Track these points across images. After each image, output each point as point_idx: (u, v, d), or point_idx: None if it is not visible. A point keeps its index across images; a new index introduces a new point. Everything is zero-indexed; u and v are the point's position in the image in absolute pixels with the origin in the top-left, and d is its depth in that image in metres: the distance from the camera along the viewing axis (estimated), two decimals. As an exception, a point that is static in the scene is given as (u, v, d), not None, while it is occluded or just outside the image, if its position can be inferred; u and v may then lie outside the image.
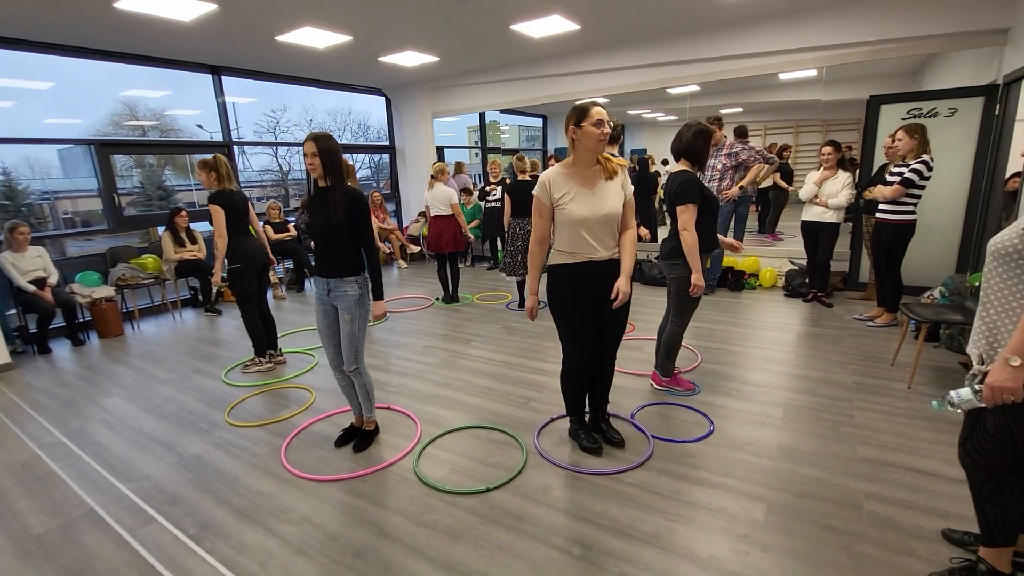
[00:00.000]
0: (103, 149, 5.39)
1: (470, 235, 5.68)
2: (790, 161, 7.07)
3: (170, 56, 5.55)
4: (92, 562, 1.91)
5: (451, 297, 5.44)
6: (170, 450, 2.71)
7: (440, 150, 8.57)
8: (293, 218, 6.78)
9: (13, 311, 4.60)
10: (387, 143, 8.66)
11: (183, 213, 5.60)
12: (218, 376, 3.70)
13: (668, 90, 6.24)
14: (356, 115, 13.29)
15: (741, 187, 4.94)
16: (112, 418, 3.15)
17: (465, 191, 7.47)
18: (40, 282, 4.56)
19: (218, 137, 6.39)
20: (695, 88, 6.47)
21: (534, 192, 2.25)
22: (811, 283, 4.86)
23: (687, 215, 2.68)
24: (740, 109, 7.63)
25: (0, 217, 5.57)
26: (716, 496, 2.12)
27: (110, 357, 4.36)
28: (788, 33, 4.92)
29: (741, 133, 5.26)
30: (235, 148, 6.51)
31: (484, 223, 7.05)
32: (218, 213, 3.45)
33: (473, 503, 2.14)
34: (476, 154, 11.09)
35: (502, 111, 8.75)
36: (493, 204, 6.59)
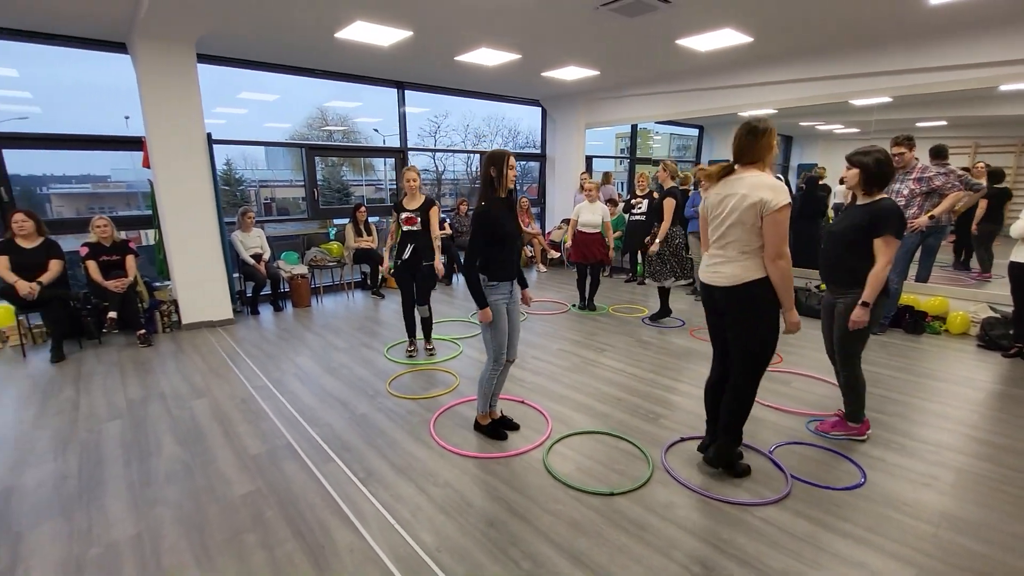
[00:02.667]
0: (311, 152, 6.49)
1: (612, 249, 5.74)
2: (1010, 187, 5.91)
3: (364, 73, 6.49)
4: (290, 484, 2.41)
5: (587, 305, 5.57)
6: (344, 407, 3.25)
7: (589, 160, 8.73)
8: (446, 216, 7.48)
9: (237, 278, 5.79)
10: (538, 151, 9.07)
11: (363, 208, 6.51)
12: (381, 351, 4.29)
13: (851, 101, 5.64)
14: (508, 121, 14.06)
15: (932, 216, 4.31)
16: (302, 373, 3.84)
17: (611, 202, 7.53)
18: (257, 257, 5.68)
19: (391, 141, 7.34)
20: (885, 99, 5.76)
21: (785, 202, 2.08)
22: (1016, 336, 4.08)
23: (889, 251, 2.47)
24: (943, 123, 6.57)
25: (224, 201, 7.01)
26: (858, 550, 1.96)
27: (300, 324, 5.26)
28: (1016, 40, 4.18)
29: (938, 154, 4.58)
30: (410, 153, 7.34)
31: (626, 236, 7.05)
32: (435, 215, 3.98)
33: (597, 503, 2.26)
34: (621, 163, 11.06)
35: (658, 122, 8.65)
36: (637, 217, 6.56)
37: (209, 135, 4.85)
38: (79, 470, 2.57)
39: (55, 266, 4.32)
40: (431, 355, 4.19)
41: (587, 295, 5.57)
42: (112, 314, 4.44)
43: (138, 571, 1.88)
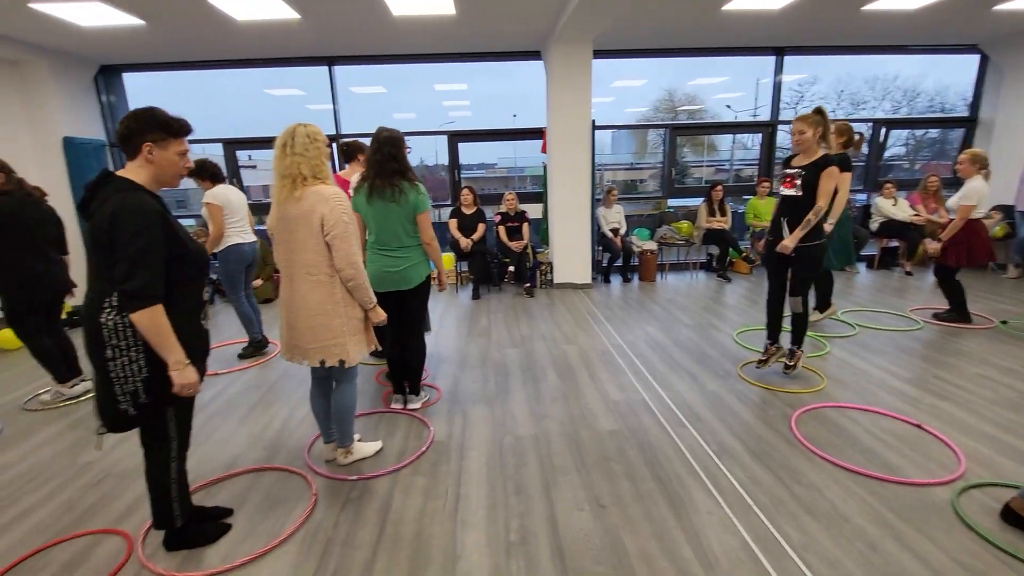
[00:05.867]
0: (673, 132, 6.65)
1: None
2: None
3: (737, 44, 6.15)
4: (647, 435, 2.64)
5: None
6: (693, 380, 3.31)
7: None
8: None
9: (599, 249, 6.53)
10: (965, 114, 6.87)
11: (719, 188, 6.32)
12: (729, 335, 4.15)
13: None
14: (903, 81, 11.09)
15: None
16: (651, 340, 4.09)
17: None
18: (615, 231, 6.25)
19: (743, 117, 6.76)
20: None
21: None
22: None
23: None
24: None
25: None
26: None
27: (646, 296, 5.58)
28: None
29: None
30: (780, 127, 6.68)
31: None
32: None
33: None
34: None
35: None
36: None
37: (593, 122, 5.55)
38: (494, 378, 3.44)
39: (481, 228, 5.81)
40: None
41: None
42: (511, 268, 5.70)
43: (538, 463, 2.42)
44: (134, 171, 1.63)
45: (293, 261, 2.12)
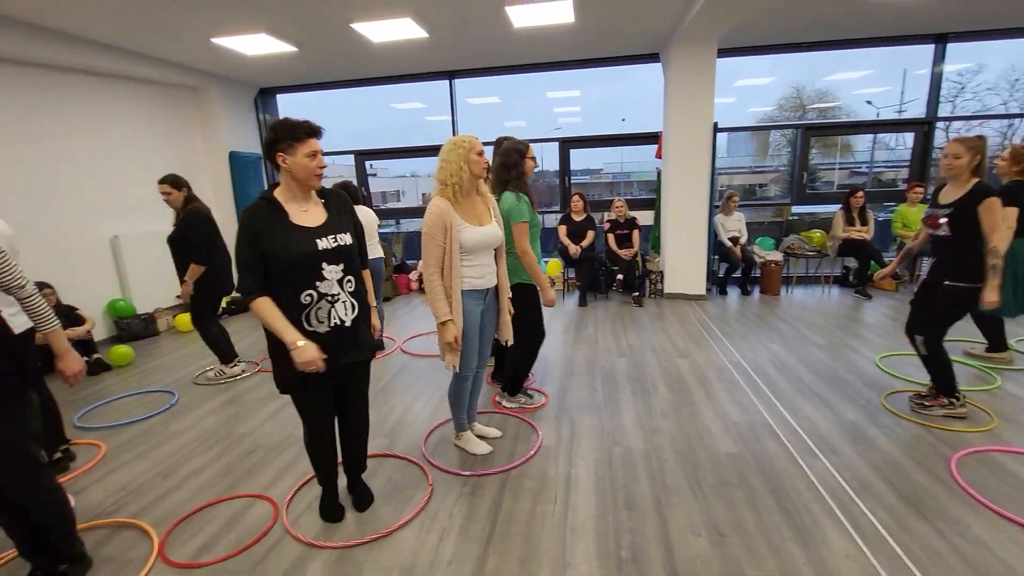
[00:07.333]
0: (807, 132, 6.09)
1: None
2: None
3: (883, 34, 5.47)
4: (772, 462, 2.43)
5: None
6: (827, 406, 2.99)
7: None
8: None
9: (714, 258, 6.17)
10: None
11: (860, 194, 5.66)
12: (871, 359, 3.69)
13: None
14: None
15: None
16: (775, 359, 3.76)
17: None
18: (734, 240, 5.86)
19: (886, 113, 5.96)
20: None
21: None
22: None
23: None
24: None
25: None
26: None
27: (768, 311, 5.15)
28: None
29: None
30: (938, 125, 5.84)
31: None
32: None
33: None
34: None
35: None
36: None
37: (715, 124, 5.26)
38: (602, 387, 3.39)
39: (590, 235, 5.76)
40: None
41: None
42: (619, 276, 5.59)
43: (649, 478, 2.34)
44: (282, 178, 1.84)
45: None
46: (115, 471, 2.64)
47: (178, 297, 3.76)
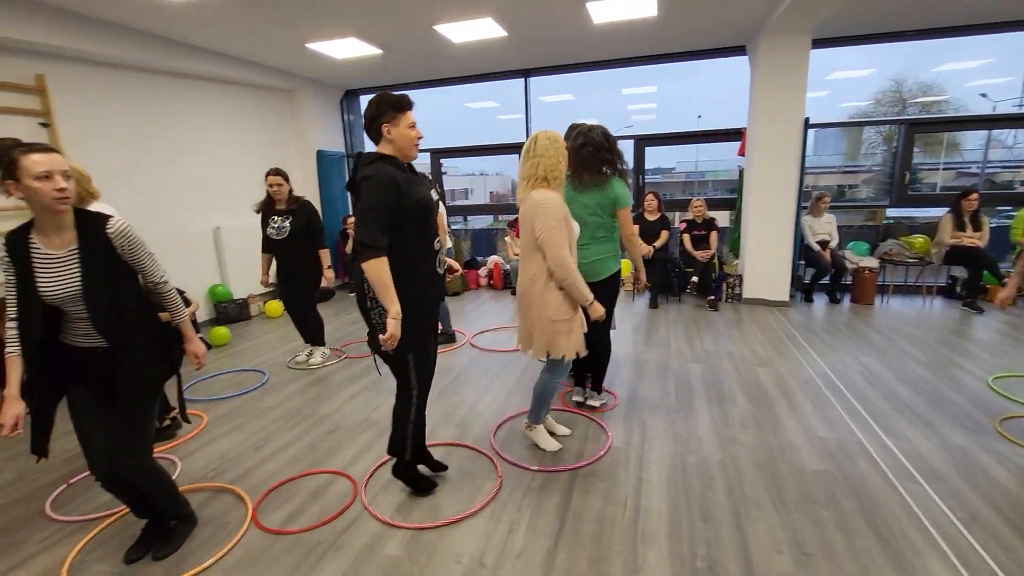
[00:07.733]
0: (911, 129, 5.58)
1: None
2: None
3: (1012, 18, 4.87)
4: (865, 484, 2.25)
5: None
6: (929, 428, 2.72)
7: None
8: None
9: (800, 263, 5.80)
10: None
11: (973, 196, 5.09)
12: (983, 379, 3.32)
13: None
14: None
15: None
16: (868, 373, 3.48)
17: None
18: (823, 244, 5.47)
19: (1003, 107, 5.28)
20: None
21: None
22: None
23: None
24: None
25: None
26: None
27: (861, 320, 4.77)
28: None
29: None
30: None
31: None
32: None
33: None
34: None
35: None
36: None
37: (807, 120, 4.94)
38: (675, 392, 3.29)
39: (664, 235, 5.59)
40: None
41: None
42: (694, 279, 5.39)
43: (726, 490, 2.24)
44: (381, 148, 1.95)
45: (522, 257, 2.34)
46: (215, 440, 2.90)
47: (323, 286, 3.96)
